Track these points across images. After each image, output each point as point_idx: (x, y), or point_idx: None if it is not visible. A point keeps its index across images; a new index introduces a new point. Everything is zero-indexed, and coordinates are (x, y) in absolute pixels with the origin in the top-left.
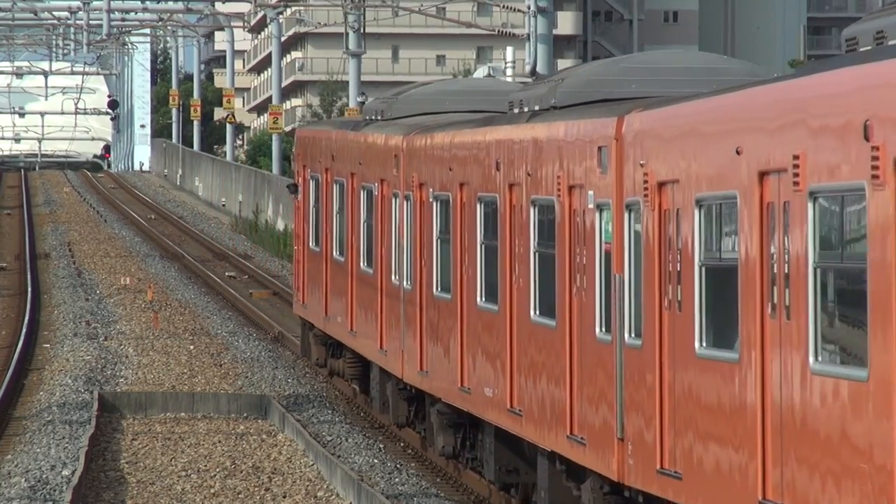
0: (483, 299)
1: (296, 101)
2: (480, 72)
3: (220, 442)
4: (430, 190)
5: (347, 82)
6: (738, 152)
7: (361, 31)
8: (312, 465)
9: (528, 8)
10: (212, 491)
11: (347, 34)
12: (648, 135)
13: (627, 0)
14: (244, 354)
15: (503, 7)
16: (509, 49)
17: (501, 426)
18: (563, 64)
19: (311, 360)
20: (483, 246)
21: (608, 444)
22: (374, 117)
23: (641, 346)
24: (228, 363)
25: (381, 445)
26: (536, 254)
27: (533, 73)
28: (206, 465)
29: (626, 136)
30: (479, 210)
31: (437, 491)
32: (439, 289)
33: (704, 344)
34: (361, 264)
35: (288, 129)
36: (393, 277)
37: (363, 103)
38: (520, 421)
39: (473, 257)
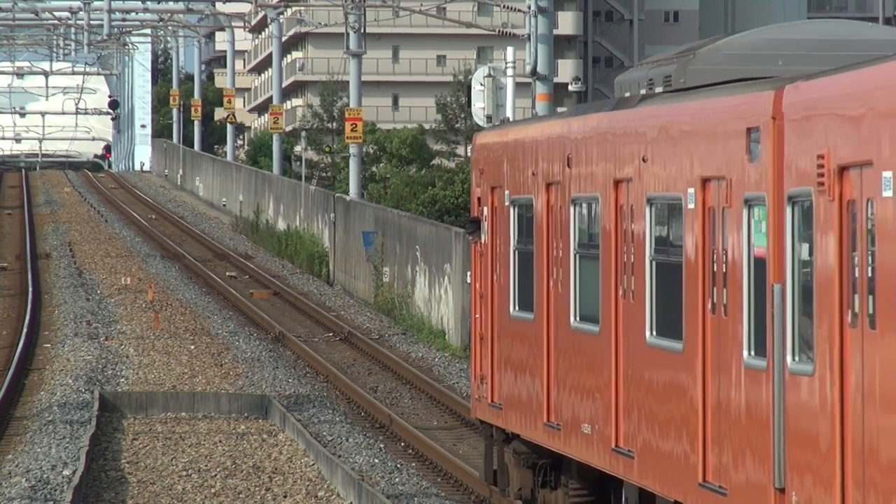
0: None
1: (296, 102)
2: (481, 72)
3: (220, 442)
4: (887, 175)
5: (348, 82)
6: None
7: (362, 31)
8: (313, 464)
9: (529, 8)
10: (212, 491)
11: (348, 34)
12: None
13: (627, 0)
14: (245, 354)
15: (503, 7)
16: (509, 49)
17: None
18: (563, 64)
19: (507, 491)
20: None
21: None
22: (651, 89)
23: None
24: (229, 363)
25: (382, 445)
26: None
27: (533, 73)
28: (206, 465)
29: None
30: None
31: (438, 491)
32: None
33: None
34: (649, 335)
35: (288, 129)
36: (746, 354)
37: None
38: None
39: None
